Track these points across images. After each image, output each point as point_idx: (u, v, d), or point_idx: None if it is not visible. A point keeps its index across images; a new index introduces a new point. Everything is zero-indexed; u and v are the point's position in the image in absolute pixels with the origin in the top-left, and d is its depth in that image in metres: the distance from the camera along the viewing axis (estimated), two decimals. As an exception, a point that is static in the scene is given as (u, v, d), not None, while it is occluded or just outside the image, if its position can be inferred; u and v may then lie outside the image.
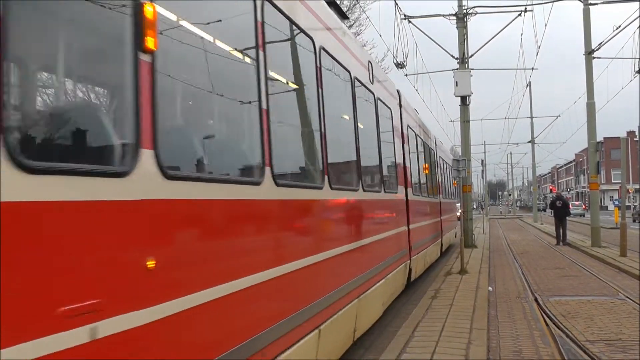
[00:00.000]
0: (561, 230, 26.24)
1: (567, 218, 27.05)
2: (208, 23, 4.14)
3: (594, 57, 23.64)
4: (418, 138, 15.48)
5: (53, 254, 2.43)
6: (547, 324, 9.66)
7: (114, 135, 3.08)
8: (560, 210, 26.45)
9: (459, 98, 24.72)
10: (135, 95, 3.01)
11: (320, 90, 6.35)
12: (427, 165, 16.81)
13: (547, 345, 8.30)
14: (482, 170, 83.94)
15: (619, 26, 23.45)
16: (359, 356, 7.88)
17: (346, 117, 7.92)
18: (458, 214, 58.04)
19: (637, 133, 77.26)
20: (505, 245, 27.26)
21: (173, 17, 3.60)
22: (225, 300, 3.74)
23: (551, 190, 77.67)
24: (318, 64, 6.34)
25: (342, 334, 6.59)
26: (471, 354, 7.33)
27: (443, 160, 23.18)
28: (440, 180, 20.84)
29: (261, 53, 4.68)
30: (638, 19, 23.62)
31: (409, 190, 12.44)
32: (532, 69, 34.59)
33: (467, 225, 23.74)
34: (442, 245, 19.53)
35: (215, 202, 3.81)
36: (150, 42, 3.10)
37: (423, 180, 15.81)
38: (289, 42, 5.78)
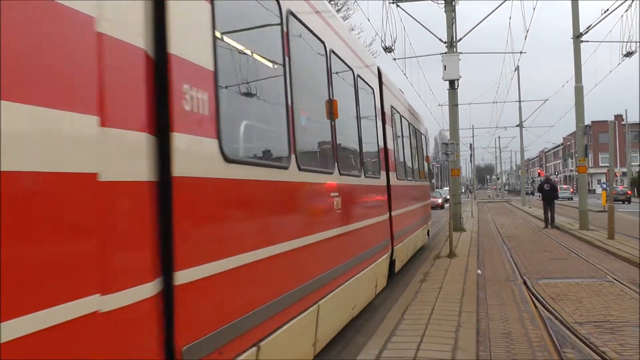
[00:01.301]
0: (549, 214, 26.33)
1: (556, 201, 27.13)
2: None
3: (582, 41, 23.63)
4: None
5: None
6: (535, 307, 9.70)
7: None
8: (547, 194, 26.51)
9: (447, 82, 24.69)
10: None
11: None
12: (335, 102, 7.27)
13: (536, 327, 8.33)
14: (471, 154, 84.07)
15: (607, 9, 23.49)
16: (350, 338, 7.88)
17: None
18: (440, 200, 52.20)
19: (624, 117, 77.15)
20: (493, 229, 27.35)
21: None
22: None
23: (539, 174, 78.01)
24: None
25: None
26: (460, 337, 7.35)
27: (399, 114, 13.73)
28: (393, 147, 12.03)
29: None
30: (625, 3, 23.63)
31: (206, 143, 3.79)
32: (521, 52, 34.85)
33: (455, 209, 23.79)
34: (391, 260, 11.23)
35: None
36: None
37: (318, 130, 7.02)
38: None
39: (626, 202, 54.55)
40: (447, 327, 7.86)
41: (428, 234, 18.89)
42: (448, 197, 63.29)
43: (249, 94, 4.80)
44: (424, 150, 19.80)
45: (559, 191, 33.43)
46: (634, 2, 23.14)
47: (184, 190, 3.39)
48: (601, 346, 7.26)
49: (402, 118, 14.39)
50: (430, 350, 6.80)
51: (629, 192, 60.28)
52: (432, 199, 49.18)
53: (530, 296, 10.59)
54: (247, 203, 4.38)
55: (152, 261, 3.08)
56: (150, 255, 3.07)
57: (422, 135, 19.51)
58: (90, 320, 2.58)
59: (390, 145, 11.62)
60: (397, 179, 12.14)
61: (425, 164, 19.53)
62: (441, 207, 50.06)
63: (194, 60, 3.61)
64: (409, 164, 14.95)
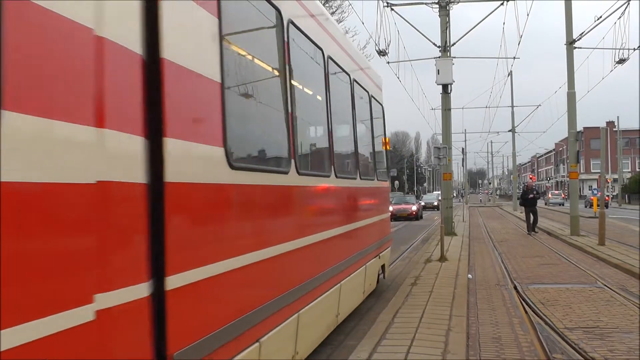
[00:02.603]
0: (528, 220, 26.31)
1: (547, 207, 27.12)
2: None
3: (575, 47, 23.72)
4: None
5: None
6: (526, 312, 9.71)
7: None
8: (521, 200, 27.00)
9: (441, 86, 24.73)
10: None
11: None
12: None
13: (526, 332, 8.34)
14: (463, 159, 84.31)
15: (600, 17, 23.58)
16: (340, 342, 7.87)
17: None
18: (414, 208, 39.91)
19: (616, 123, 77.53)
20: (484, 233, 27.39)
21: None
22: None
23: (530, 179, 78.36)
24: None
25: None
26: (451, 341, 7.34)
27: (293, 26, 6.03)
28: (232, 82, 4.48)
29: None
30: (618, 10, 23.74)
31: None
32: (514, 58, 34.71)
33: (447, 213, 23.85)
34: None
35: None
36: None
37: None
38: None
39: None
40: (437, 330, 7.85)
41: (383, 271, 11.46)
42: (435, 203, 60.91)
43: None
44: (374, 128, 11.25)
45: (550, 197, 33.47)
46: (627, 9, 23.26)
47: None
48: (590, 352, 7.27)
49: (299, 34, 6.42)
50: (420, 353, 6.78)
51: (607, 197, 61.22)
52: (402, 207, 40.07)
53: (520, 301, 10.60)
54: None
55: None
56: None
57: (374, 102, 11.24)
58: None
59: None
60: (233, 165, 4.31)
61: (381, 151, 11.79)
62: (416, 216, 40.82)
63: None
64: (320, 137, 7.71)
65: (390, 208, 35.31)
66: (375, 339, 7.41)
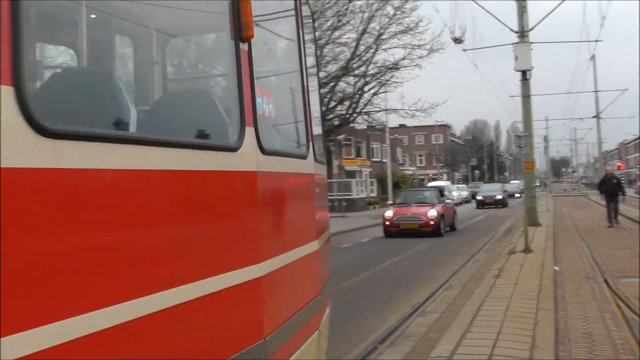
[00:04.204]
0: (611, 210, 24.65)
1: (624, 196, 25.37)
2: None
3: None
4: None
5: None
6: (618, 306, 9.29)
7: None
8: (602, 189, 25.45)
9: (519, 73, 24.13)
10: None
11: None
12: None
13: (620, 328, 7.97)
14: (545, 147, 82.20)
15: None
16: (423, 334, 7.73)
17: None
18: (433, 213, 22.28)
19: None
20: (570, 224, 26.57)
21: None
22: None
23: (619, 167, 75.62)
24: None
25: None
26: (538, 335, 7.11)
27: None
28: None
29: None
30: None
31: None
32: (596, 41, 33.53)
33: (530, 203, 23.31)
34: None
35: None
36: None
37: None
38: None
39: None
40: (523, 324, 7.63)
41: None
42: (498, 197, 46.35)
43: None
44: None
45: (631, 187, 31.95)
46: None
47: None
48: (691, 348, 6.89)
49: None
50: (507, 347, 6.61)
51: None
52: (411, 211, 23.15)
53: (612, 295, 10.16)
54: None
55: None
56: None
57: None
58: None
59: None
60: None
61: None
62: (435, 229, 22.64)
63: None
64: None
65: (389, 213, 23.33)
66: (460, 332, 7.27)
